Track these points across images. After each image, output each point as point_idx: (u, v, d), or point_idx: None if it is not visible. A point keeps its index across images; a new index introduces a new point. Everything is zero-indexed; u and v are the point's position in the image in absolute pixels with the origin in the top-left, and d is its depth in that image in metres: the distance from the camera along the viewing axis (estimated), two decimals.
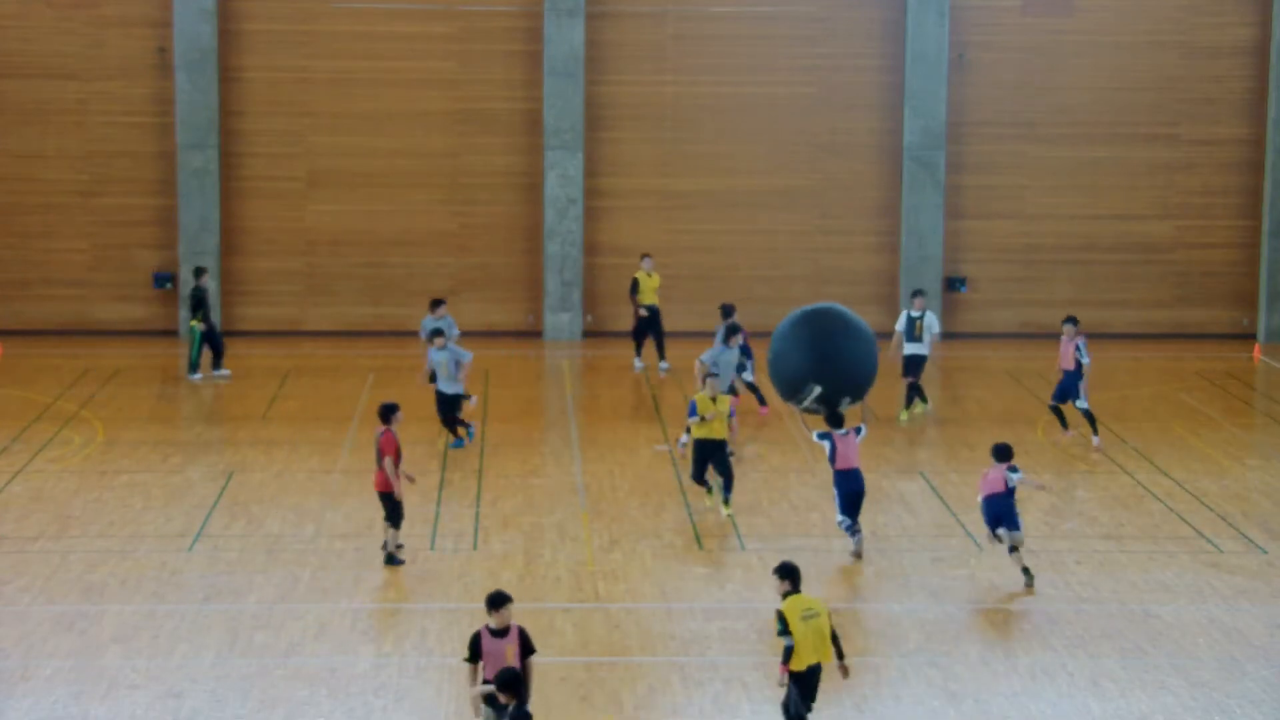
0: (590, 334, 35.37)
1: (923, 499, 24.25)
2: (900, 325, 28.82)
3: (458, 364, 26.25)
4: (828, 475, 25.30)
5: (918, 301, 28.82)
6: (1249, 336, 35.76)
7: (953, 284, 35.53)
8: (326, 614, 19.46)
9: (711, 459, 23.10)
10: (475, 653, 15.42)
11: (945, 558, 21.70)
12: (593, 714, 16.95)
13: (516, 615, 19.40)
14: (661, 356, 31.74)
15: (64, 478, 24.76)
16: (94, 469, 25.26)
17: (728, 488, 23.18)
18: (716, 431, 23.03)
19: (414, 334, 35.06)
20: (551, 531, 22.58)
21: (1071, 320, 27.24)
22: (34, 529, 22.43)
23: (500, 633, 15.40)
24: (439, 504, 23.71)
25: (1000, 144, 35.59)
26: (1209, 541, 22.49)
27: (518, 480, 24.94)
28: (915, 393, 29.00)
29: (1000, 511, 20.70)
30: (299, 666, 17.98)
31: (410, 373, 32.08)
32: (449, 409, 26.34)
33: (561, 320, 35.04)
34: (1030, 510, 23.80)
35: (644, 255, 32.61)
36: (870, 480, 25.14)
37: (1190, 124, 35.59)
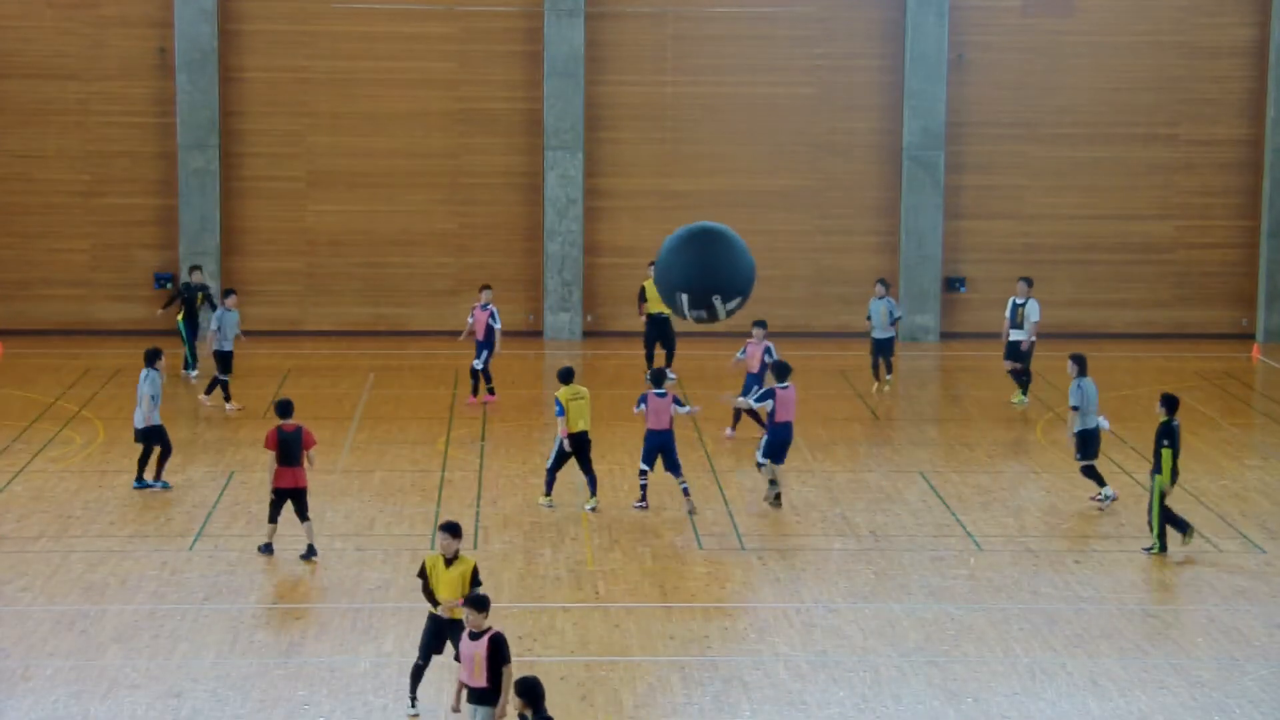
0: (590, 334, 35.38)
1: (923, 499, 24.26)
2: (1007, 313, 29.84)
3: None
4: (828, 475, 25.36)
5: (1020, 287, 29.66)
6: (1248, 336, 35.77)
7: (952, 284, 35.55)
8: (326, 614, 19.47)
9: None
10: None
11: (945, 558, 21.72)
12: (593, 714, 16.96)
13: (516, 615, 19.46)
14: (668, 363, 31.11)
15: (65, 478, 24.77)
16: (94, 469, 25.27)
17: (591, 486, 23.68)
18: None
19: (414, 334, 35.11)
20: (551, 531, 22.59)
21: (761, 324, 27.22)
22: (35, 529, 22.44)
23: (476, 634, 15.28)
24: (439, 504, 23.72)
25: (999, 144, 35.60)
26: (1208, 541, 22.50)
27: (518, 480, 24.96)
28: (1021, 379, 29.84)
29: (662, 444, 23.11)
30: (299, 666, 18.00)
31: (410, 372, 32.11)
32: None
33: (561, 320, 35.06)
34: (1030, 510, 23.83)
35: (652, 263, 32.45)
36: (870, 480, 25.20)
37: (1190, 124, 35.61)
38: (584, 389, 23.72)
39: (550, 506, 23.54)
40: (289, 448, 21.12)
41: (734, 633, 19.12)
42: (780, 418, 23.67)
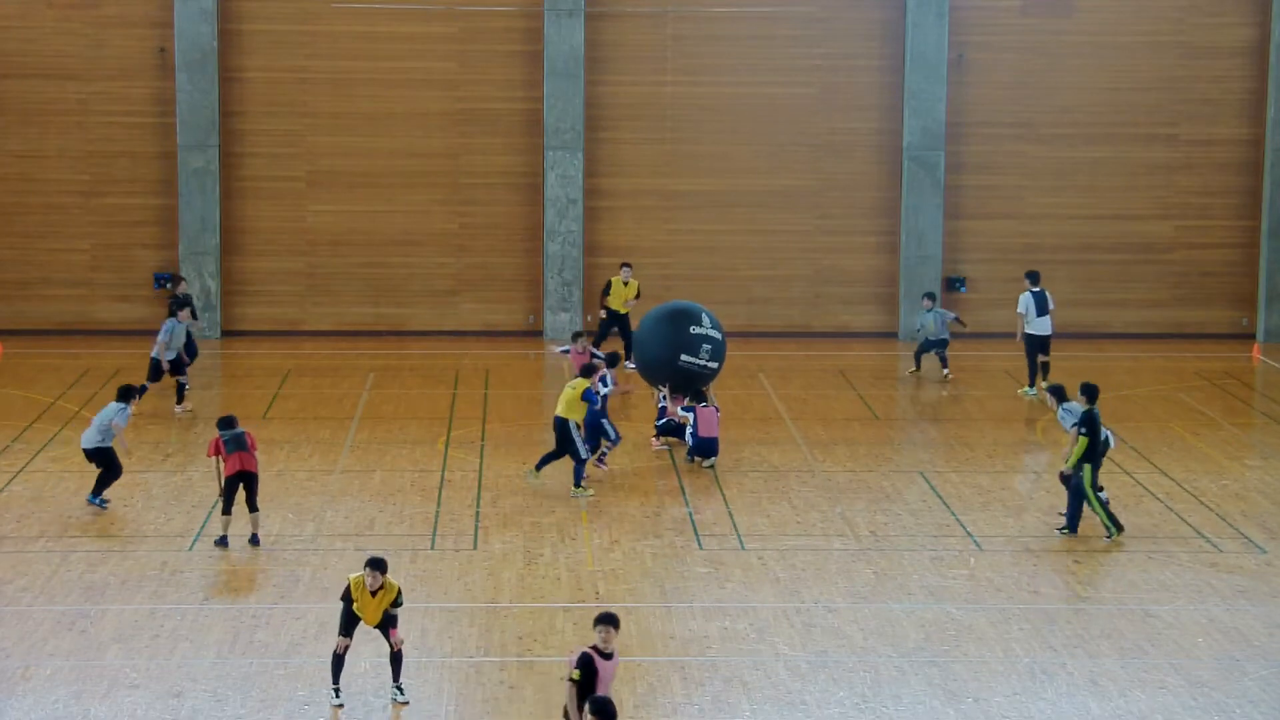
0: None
1: (923, 499, 24.27)
2: (1032, 306, 30.74)
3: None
4: (828, 475, 25.39)
5: (1028, 283, 30.92)
6: (1248, 336, 35.77)
7: (952, 284, 35.54)
8: (326, 614, 19.46)
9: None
10: (588, 673, 15.02)
11: (945, 558, 21.72)
12: None
13: (516, 615, 19.48)
14: (627, 356, 31.06)
15: (65, 478, 24.77)
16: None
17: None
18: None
19: (414, 334, 35.11)
20: (551, 531, 22.60)
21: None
22: (35, 529, 22.44)
23: (608, 654, 15.15)
24: (439, 504, 23.72)
25: (999, 144, 35.60)
26: (1208, 541, 22.51)
27: (518, 480, 24.96)
28: (1044, 371, 30.57)
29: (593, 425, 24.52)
30: (299, 666, 18.00)
31: (410, 373, 32.11)
32: None
33: (561, 320, 35.05)
34: (1030, 510, 23.83)
35: (624, 264, 32.75)
36: (870, 480, 25.21)
37: (1189, 124, 35.61)
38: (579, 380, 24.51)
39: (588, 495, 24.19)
40: (234, 441, 21.75)
41: (734, 633, 19.12)
42: (701, 433, 25.56)
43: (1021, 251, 35.39)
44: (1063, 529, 22.63)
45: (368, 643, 18.65)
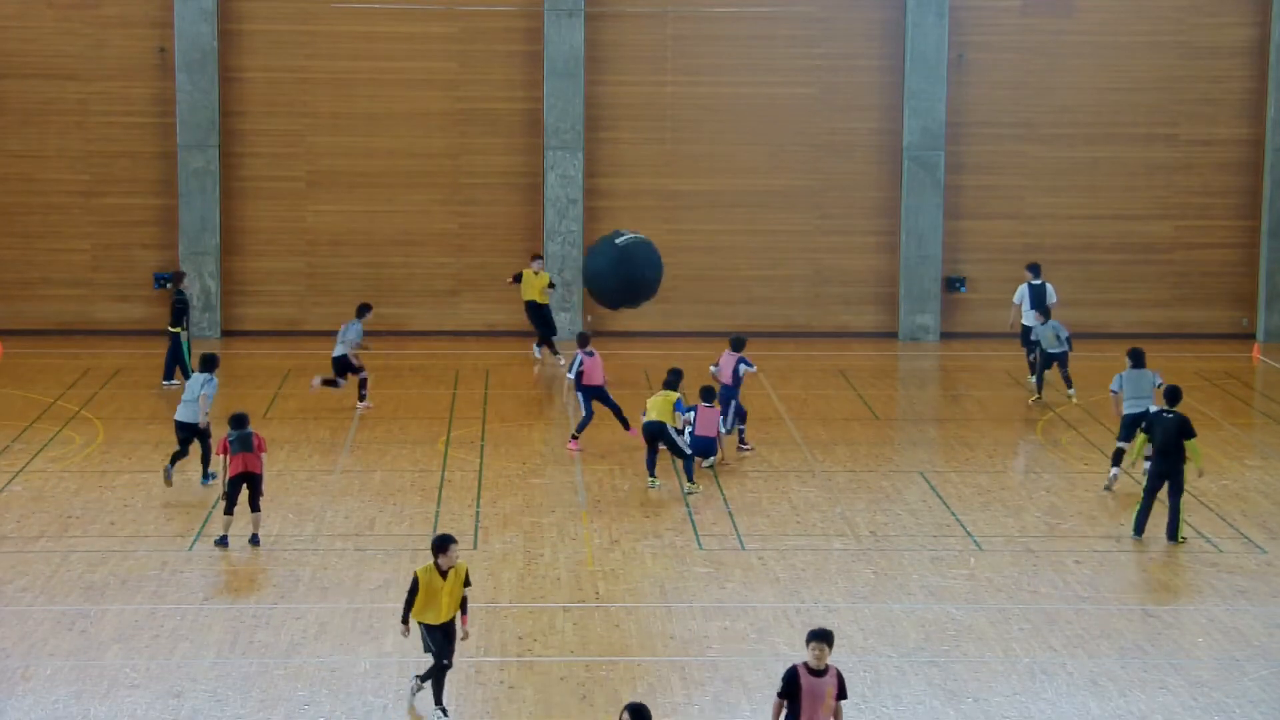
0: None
1: (923, 499, 24.27)
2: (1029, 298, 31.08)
3: None
4: (828, 475, 25.39)
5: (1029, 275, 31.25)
6: (1248, 336, 35.77)
7: (952, 284, 35.55)
8: (326, 614, 19.48)
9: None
10: (790, 688, 14.61)
11: (945, 558, 21.72)
12: (593, 714, 16.97)
13: (516, 615, 19.47)
14: (538, 345, 32.80)
15: (65, 478, 24.77)
16: (94, 469, 25.28)
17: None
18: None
19: (414, 334, 35.10)
20: (551, 531, 22.60)
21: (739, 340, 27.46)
22: (35, 529, 22.44)
23: (819, 672, 14.62)
24: (439, 504, 23.73)
25: (999, 144, 35.60)
26: (1208, 541, 22.51)
27: (518, 480, 24.96)
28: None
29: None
30: (299, 666, 18.00)
31: (410, 373, 32.10)
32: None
33: (561, 320, 35.05)
34: (1030, 510, 23.83)
35: (535, 256, 32.96)
36: (870, 480, 25.20)
37: (1189, 124, 35.61)
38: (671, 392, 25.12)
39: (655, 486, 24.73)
40: (240, 441, 21.81)
41: (734, 633, 19.12)
42: (699, 431, 25.34)
43: (1021, 251, 35.37)
44: (1178, 538, 22.41)
45: (368, 642, 18.65)
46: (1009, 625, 19.43)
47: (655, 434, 24.72)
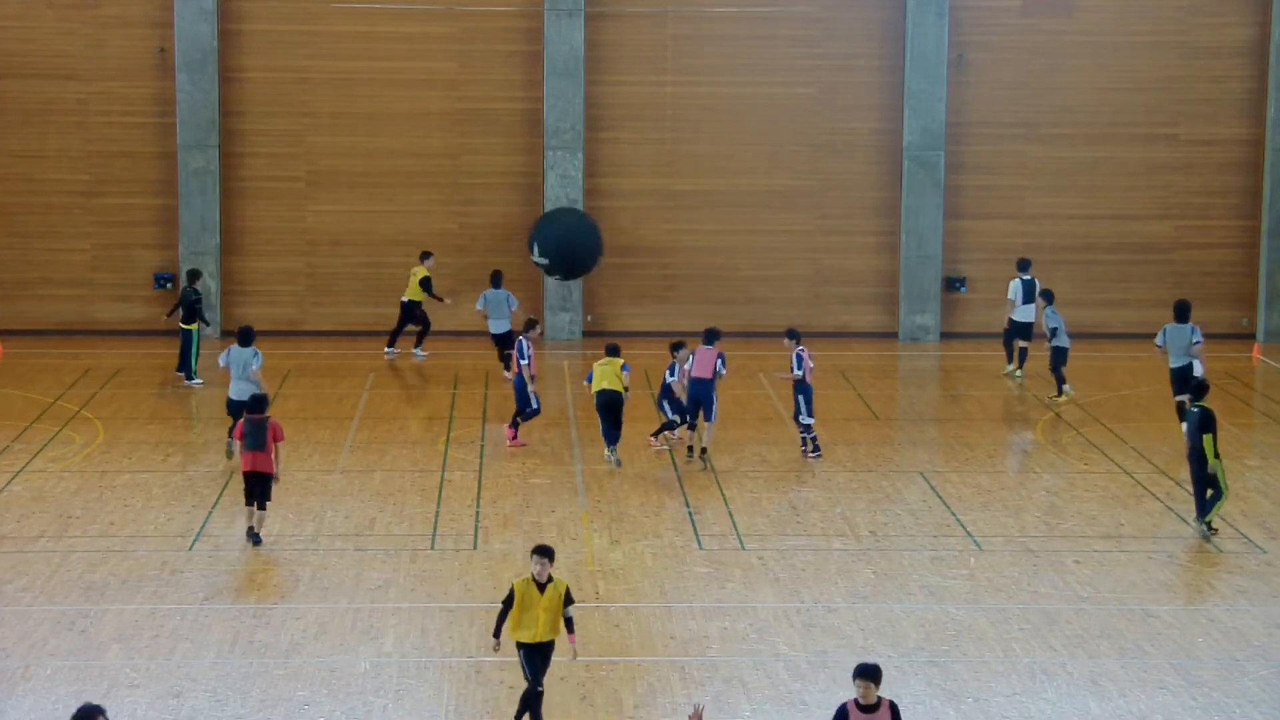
0: (590, 334, 35.37)
1: (923, 499, 24.27)
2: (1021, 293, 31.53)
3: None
4: (828, 475, 25.41)
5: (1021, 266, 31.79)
6: (1248, 336, 35.77)
7: (952, 284, 35.55)
8: (326, 614, 19.48)
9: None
10: None
11: (945, 558, 21.72)
12: (593, 714, 16.97)
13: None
14: (389, 344, 33.25)
15: (65, 478, 24.78)
16: (95, 469, 25.28)
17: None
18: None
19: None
20: (551, 531, 22.60)
21: (793, 334, 27.34)
22: (35, 529, 22.44)
23: (869, 707, 14.05)
24: (439, 504, 23.73)
25: (999, 144, 35.60)
26: (1208, 541, 22.49)
27: (518, 480, 24.96)
28: (1022, 357, 31.55)
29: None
30: (299, 666, 18.00)
31: (410, 373, 32.10)
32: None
33: (561, 320, 35.06)
34: (1030, 510, 23.84)
35: (424, 253, 33.12)
36: (870, 480, 25.20)
37: (1189, 124, 35.61)
38: (615, 359, 25.56)
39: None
40: (253, 434, 21.63)
41: (734, 633, 19.12)
42: (695, 373, 25.68)
43: (1021, 252, 35.30)
44: (1207, 533, 22.50)
45: (367, 642, 18.65)
46: (1009, 625, 19.43)
47: (610, 404, 25.30)
